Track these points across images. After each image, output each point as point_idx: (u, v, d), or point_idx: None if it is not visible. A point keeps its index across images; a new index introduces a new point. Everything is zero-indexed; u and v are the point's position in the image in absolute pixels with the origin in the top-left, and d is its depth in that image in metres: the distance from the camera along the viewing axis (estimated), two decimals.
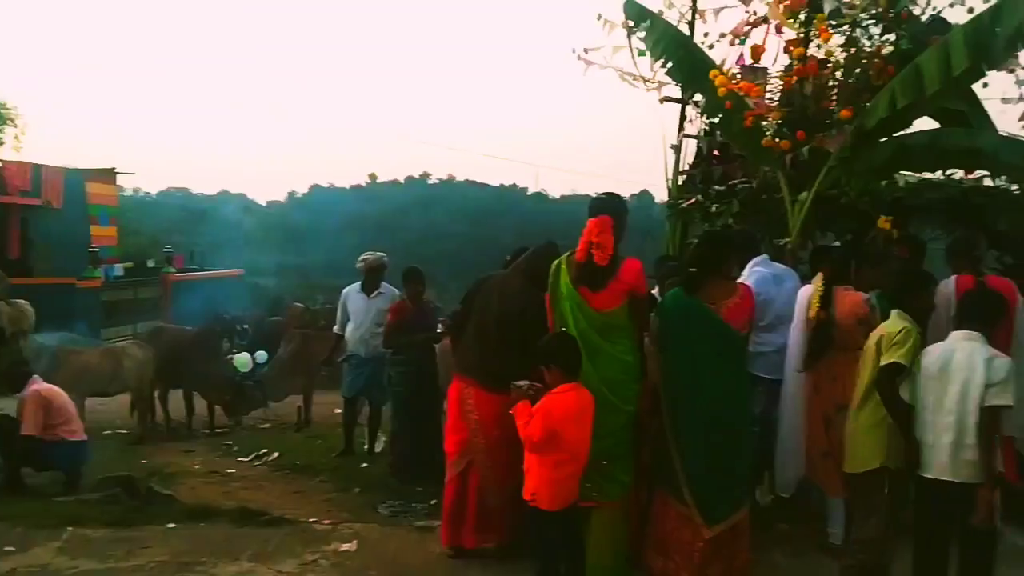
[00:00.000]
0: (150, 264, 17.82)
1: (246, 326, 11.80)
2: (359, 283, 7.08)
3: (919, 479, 3.63)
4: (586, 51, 6.81)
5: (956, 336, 3.68)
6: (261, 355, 9.50)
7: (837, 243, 5.08)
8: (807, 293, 4.61)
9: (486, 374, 4.34)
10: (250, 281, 20.64)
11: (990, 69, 4.67)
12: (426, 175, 61.92)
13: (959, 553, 3.62)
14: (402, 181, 60.53)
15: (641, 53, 6.64)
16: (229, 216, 32.26)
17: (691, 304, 4.16)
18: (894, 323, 3.81)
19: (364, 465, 6.68)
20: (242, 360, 9.10)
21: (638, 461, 4.26)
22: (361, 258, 7.07)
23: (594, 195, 4.52)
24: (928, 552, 3.67)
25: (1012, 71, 6.29)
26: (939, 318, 4.27)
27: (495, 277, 4.71)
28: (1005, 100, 6.51)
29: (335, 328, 7.35)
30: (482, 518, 4.41)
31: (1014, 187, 6.23)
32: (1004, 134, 6.02)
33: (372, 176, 60.12)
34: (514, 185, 59.94)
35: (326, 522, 5.18)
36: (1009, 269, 5.97)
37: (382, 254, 7.13)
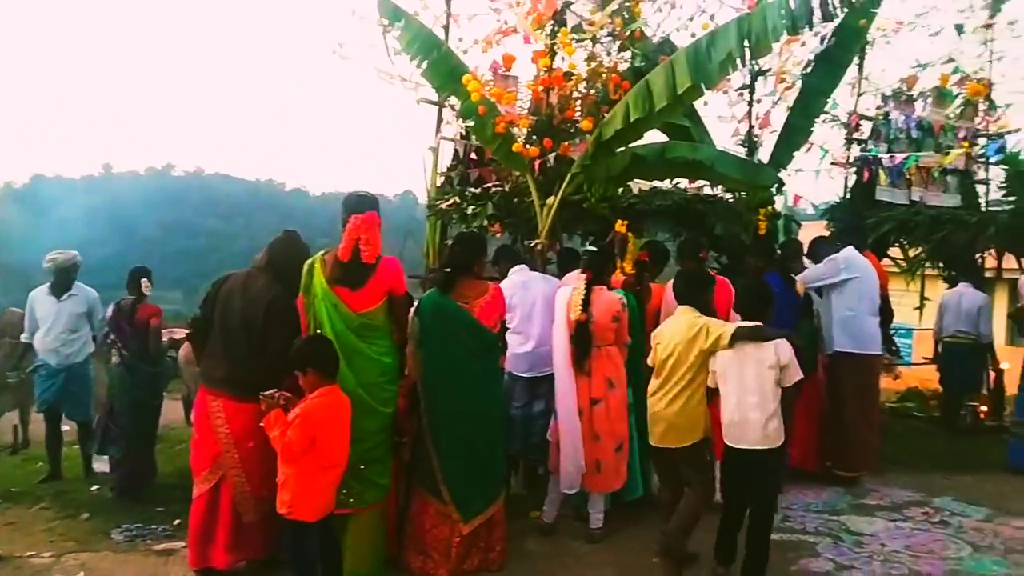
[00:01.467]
0: None
1: None
2: (47, 285, 6.30)
3: (732, 450, 4.04)
4: (340, 46, 6.69)
5: (736, 324, 4.13)
6: None
7: (593, 248, 5.39)
8: (566, 295, 4.82)
9: (236, 383, 4.03)
10: None
11: (708, 89, 5.20)
12: (170, 166, 57.52)
13: (752, 509, 4.11)
14: (142, 172, 55.74)
15: (397, 52, 6.64)
16: None
17: (445, 303, 4.22)
18: (694, 318, 4.17)
19: (95, 488, 6.01)
20: None
21: (396, 462, 4.25)
22: (49, 257, 6.26)
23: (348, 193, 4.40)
24: (733, 512, 4.16)
25: (726, 92, 7.16)
26: (668, 309, 4.96)
27: (235, 276, 4.30)
28: (721, 118, 7.38)
29: (23, 336, 6.50)
30: (235, 535, 4.11)
31: (728, 196, 7.05)
32: (720, 149, 6.79)
33: (106, 166, 54.65)
34: (271, 180, 57.52)
35: (47, 555, 4.60)
36: (724, 268, 6.76)
37: (74, 252, 6.35)
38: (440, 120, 7.49)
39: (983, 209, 8.36)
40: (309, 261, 4.05)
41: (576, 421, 4.65)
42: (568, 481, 4.70)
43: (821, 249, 6.35)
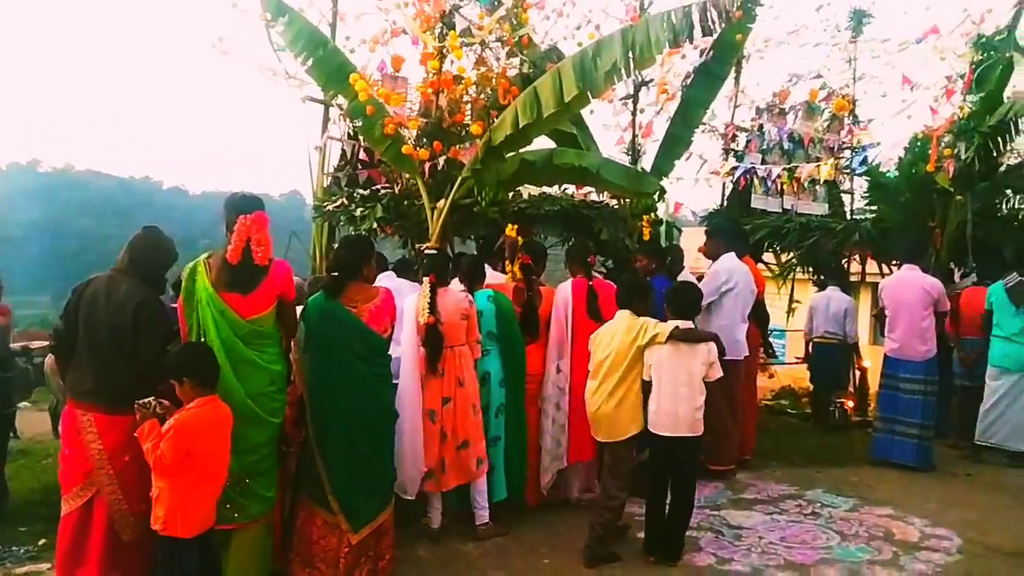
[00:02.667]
0: None
1: None
2: None
3: (662, 439, 4.52)
4: (220, 40, 6.45)
5: (672, 323, 4.57)
6: None
7: (434, 250, 5.42)
8: (414, 302, 4.82)
9: (107, 395, 3.75)
10: None
11: (594, 97, 5.30)
12: (36, 162, 53.91)
13: (673, 490, 4.62)
14: (4, 168, 52.00)
15: (281, 49, 6.45)
16: None
17: (332, 307, 4.12)
18: (633, 320, 4.61)
19: None
20: None
21: (282, 474, 4.11)
22: None
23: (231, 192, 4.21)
24: (658, 494, 4.64)
25: (611, 101, 7.33)
26: (558, 313, 5.33)
27: (97, 280, 3.95)
28: (606, 126, 7.56)
29: None
30: (110, 555, 3.82)
31: (614, 202, 7.22)
32: (606, 156, 6.94)
33: None
34: (147, 177, 54.86)
35: None
36: (610, 272, 6.92)
37: None
38: (327, 119, 7.33)
39: (848, 217, 8.93)
40: (191, 265, 3.83)
41: (419, 426, 4.67)
42: (405, 485, 4.65)
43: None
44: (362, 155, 7.07)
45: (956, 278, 8.19)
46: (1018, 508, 5.79)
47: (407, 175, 6.29)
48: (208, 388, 3.54)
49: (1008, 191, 8.52)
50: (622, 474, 4.60)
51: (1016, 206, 8.76)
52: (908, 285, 6.79)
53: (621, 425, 4.55)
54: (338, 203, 6.72)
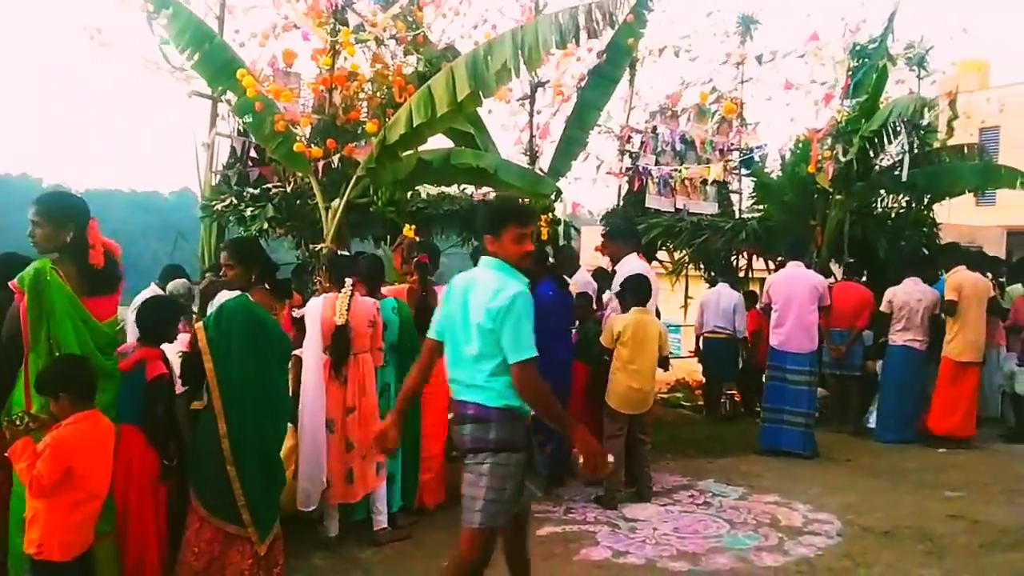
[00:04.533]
0: None
1: None
2: None
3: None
4: (99, 32, 6.13)
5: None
6: None
7: (346, 252, 5.34)
8: (319, 305, 4.71)
9: None
10: None
11: (486, 97, 5.32)
12: None
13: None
14: None
15: (166, 42, 6.18)
16: None
17: (258, 311, 3.95)
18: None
19: None
20: None
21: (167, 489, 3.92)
22: None
23: (52, 192, 3.93)
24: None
25: (508, 102, 7.38)
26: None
27: None
28: (504, 127, 7.60)
29: None
30: None
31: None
32: (504, 157, 6.98)
33: None
34: (25, 174, 51.62)
35: None
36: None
37: None
38: (215, 115, 7.07)
39: (737, 216, 9.29)
40: (32, 274, 3.38)
41: (322, 435, 4.55)
42: (304, 497, 4.53)
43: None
44: (253, 153, 6.86)
45: (837, 274, 8.67)
46: (892, 491, 6.15)
47: (300, 173, 6.14)
48: (87, 402, 3.34)
49: (882, 191, 9.09)
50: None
51: (889, 205, 9.35)
52: (796, 281, 7.11)
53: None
54: (227, 202, 6.49)
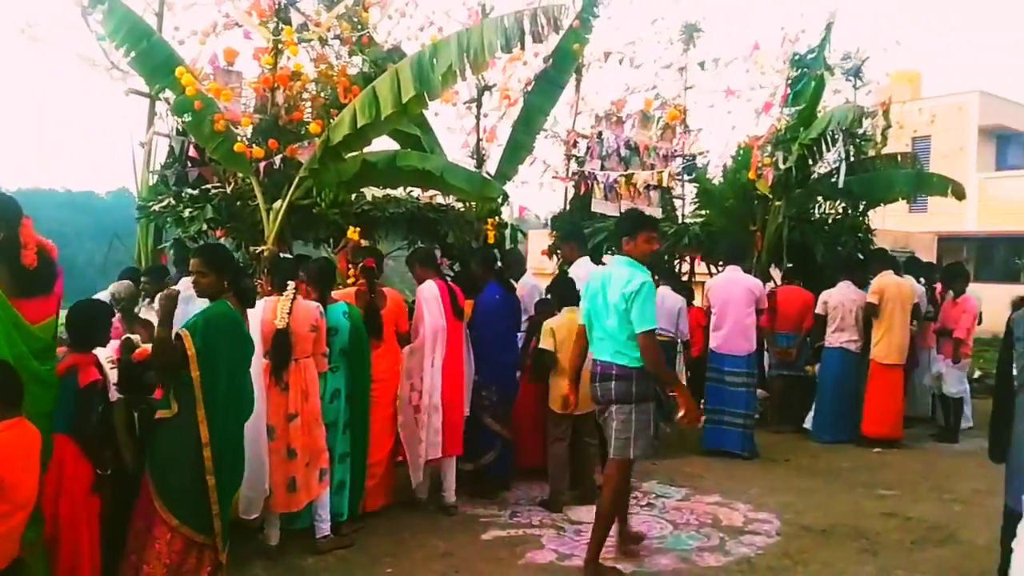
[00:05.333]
0: None
1: None
2: None
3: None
4: (30, 26, 5.92)
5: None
6: None
7: (288, 255, 5.27)
8: (260, 309, 4.60)
9: None
10: None
11: (431, 100, 5.29)
12: None
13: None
14: None
15: (102, 37, 6.01)
16: None
17: (237, 318, 3.96)
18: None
19: None
20: None
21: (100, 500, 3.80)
22: None
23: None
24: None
25: (455, 105, 7.36)
26: (432, 311, 5.37)
27: None
28: (450, 129, 7.58)
29: None
30: None
31: (459, 205, 7.25)
32: (451, 160, 6.95)
33: None
34: None
35: None
36: (458, 276, 6.92)
37: None
38: (153, 113, 6.89)
39: (680, 221, 9.42)
40: None
41: (263, 442, 4.47)
42: (245, 505, 4.45)
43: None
44: (192, 152, 6.69)
45: (777, 279, 8.87)
46: (829, 489, 6.31)
47: (240, 174, 6.01)
48: (14, 409, 3.22)
49: (819, 197, 9.33)
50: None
51: (826, 211, 9.61)
52: (734, 285, 7.26)
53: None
54: (165, 203, 6.31)
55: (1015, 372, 3.99)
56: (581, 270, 6.40)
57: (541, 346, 5.72)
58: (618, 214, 8.80)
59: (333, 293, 5.10)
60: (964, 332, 8.03)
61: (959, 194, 8.93)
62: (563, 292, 5.77)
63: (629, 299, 4.31)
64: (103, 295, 5.41)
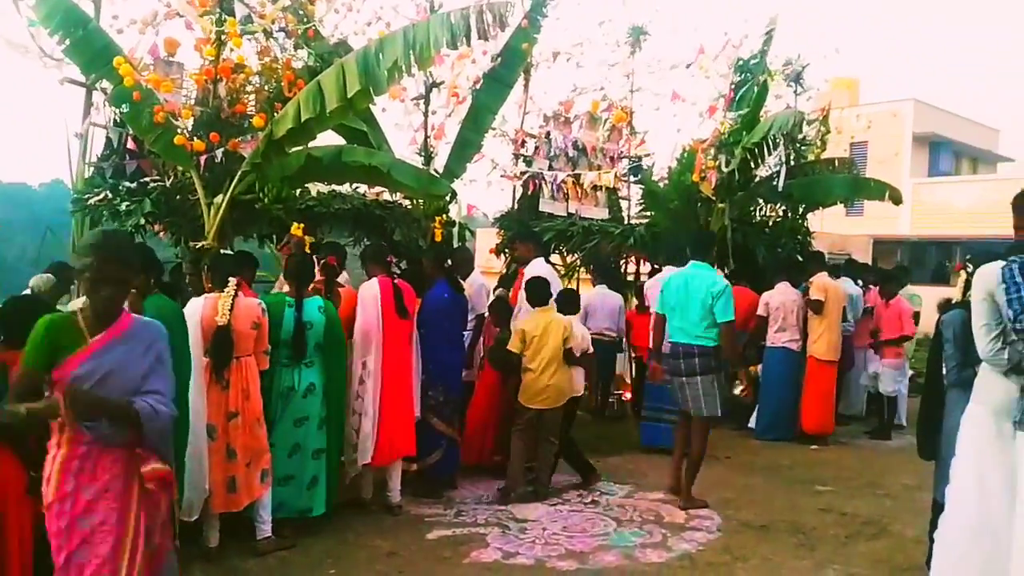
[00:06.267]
0: None
1: None
2: None
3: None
4: None
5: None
6: None
7: (229, 251, 5.17)
8: (199, 305, 4.53)
9: None
10: None
11: (377, 95, 5.23)
12: None
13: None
14: None
15: (34, 24, 5.77)
16: None
17: (179, 310, 3.98)
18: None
19: None
20: None
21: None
22: None
23: None
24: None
25: (403, 101, 7.29)
26: (367, 311, 5.34)
27: None
28: (398, 125, 7.51)
29: None
30: None
31: (407, 203, 7.19)
32: (399, 156, 6.88)
33: None
34: None
35: None
36: (406, 273, 6.86)
37: None
38: (89, 104, 6.65)
39: (626, 222, 9.52)
40: None
41: (202, 442, 4.40)
42: (187, 506, 4.36)
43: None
44: (130, 144, 6.49)
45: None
46: (768, 486, 6.45)
47: (180, 167, 5.86)
48: None
49: (761, 200, 9.53)
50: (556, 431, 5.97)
51: (767, 214, 9.83)
52: None
53: (564, 393, 5.89)
54: (101, 196, 6.10)
55: (944, 372, 4.15)
56: (535, 269, 6.43)
57: (509, 347, 5.84)
58: (566, 214, 8.89)
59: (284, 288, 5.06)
60: (895, 333, 8.32)
61: (896, 199, 9.21)
62: (538, 293, 5.91)
63: (716, 296, 5.61)
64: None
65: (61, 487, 2.73)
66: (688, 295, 5.73)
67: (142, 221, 5.80)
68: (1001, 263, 3.28)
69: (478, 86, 7.54)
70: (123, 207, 5.83)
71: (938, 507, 3.84)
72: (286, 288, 5.02)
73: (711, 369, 5.68)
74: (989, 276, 3.36)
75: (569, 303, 6.30)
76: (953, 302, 4.29)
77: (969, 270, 3.91)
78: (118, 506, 2.75)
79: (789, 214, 9.80)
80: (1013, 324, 3.12)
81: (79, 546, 2.71)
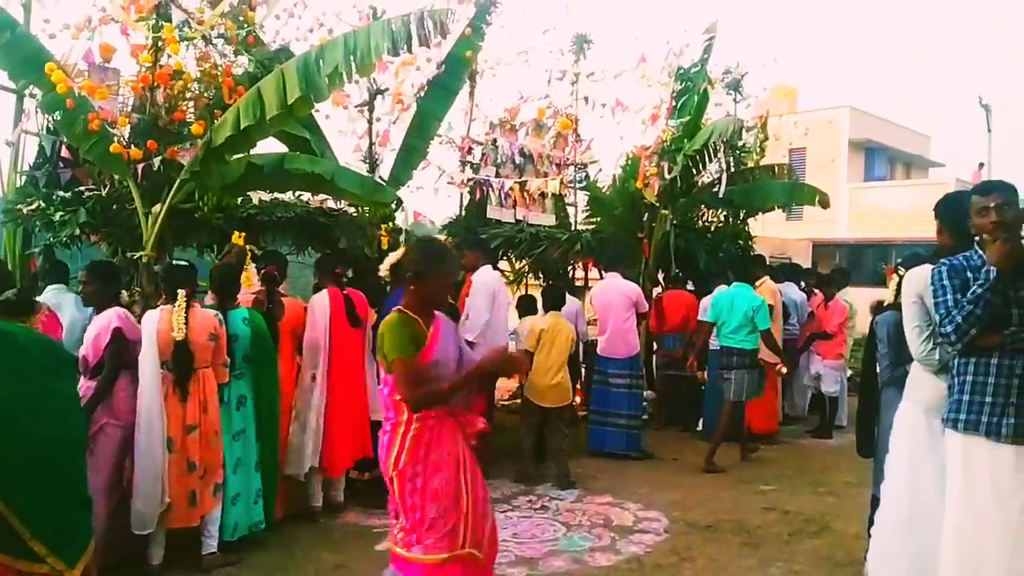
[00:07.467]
0: None
1: None
2: None
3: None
4: None
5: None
6: None
7: (184, 262, 5.07)
8: (155, 318, 4.44)
9: None
10: None
11: (318, 101, 5.19)
12: None
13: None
14: None
15: None
16: None
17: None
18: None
19: None
20: None
21: None
22: None
23: None
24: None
25: (346, 107, 7.23)
26: (315, 323, 5.47)
27: None
28: (341, 132, 7.44)
29: None
30: None
31: (352, 211, 7.12)
32: (343, 164, 6.82)
33: None
34: None
35: None
36: (351, 281, 6.80)
37: None
38: (20, 110, 6.44)
39: (572, 228, 9.60)
40: None
41: (159, 455, 4.32)
42: (139, 520, 4.30)
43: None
44: (64, 152, 6.31)
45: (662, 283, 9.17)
46: (714, 486, 6.56)
47: (117, 176, 5.72)
48: None
49: (703, 206, 9.71)
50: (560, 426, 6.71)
51: (709, 219, 10.01)
52: (611, 291, 7.56)
53: (563, 393, 6.63)
54: (34, 206, 5.91)
55: (878, 371, 4.28)
56: (483, 277, 6.44)
57: (524, 347, 6.57)
58: (514, 220, 8.92)
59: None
60: (834, 331, 8.56)
61: (824, 203, 9.44)
62: (553, 298, 6.85)
63: (757, 309, 7.10)
64: None
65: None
66: (733, 309, 7.11)
67: (77, 232, 5.64)
68: (930, 267, 3.40)
69: (423, 93, 7.51)
70: (57, 217, 5.66)
71: (877, 503, 3.95)
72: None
73: (746, 366, 7.17)
74: (919, 279, 3.48)
75: (556, 299, 6.94)
76: (885, 304, 4.43)
77: (901, 273, 4.04)
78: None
79: (731, 219, 9.99)
80: (940, 327, 3.23)
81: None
